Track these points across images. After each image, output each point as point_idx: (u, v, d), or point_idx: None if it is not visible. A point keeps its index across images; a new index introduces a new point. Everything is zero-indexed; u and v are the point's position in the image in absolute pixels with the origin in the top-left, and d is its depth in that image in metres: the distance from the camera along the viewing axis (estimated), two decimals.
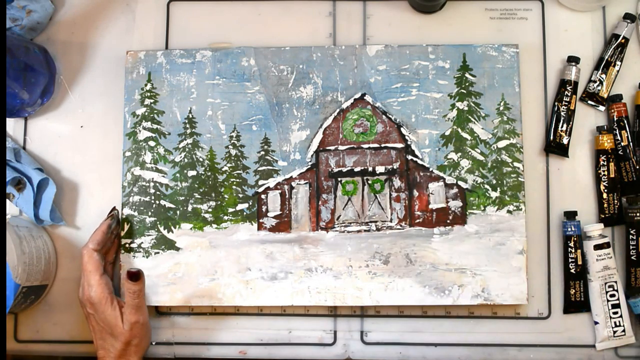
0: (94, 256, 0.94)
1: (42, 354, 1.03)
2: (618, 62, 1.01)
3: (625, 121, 0.99)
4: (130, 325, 0.91)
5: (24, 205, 1.00)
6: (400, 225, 0.98)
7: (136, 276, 0.92)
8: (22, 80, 0.97)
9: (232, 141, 1.00)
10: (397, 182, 0.99)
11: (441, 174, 0.99)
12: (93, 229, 0.99)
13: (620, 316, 0.97)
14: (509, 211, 0.98)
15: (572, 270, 0.98)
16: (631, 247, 0.97)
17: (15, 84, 0.96)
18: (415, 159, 0.99)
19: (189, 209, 0.99)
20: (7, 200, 1.01)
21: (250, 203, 0.99)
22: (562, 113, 1.00)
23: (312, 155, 1.00)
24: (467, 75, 1.00)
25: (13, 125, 1.04)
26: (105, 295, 0.92)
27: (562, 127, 1.00)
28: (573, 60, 1.00)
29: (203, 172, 1.00)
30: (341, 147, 0.99)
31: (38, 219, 1.00)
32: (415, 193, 0.98)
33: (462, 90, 1.00)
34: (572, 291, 0.98)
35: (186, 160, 1.00)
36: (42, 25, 1.04)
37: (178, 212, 0.99)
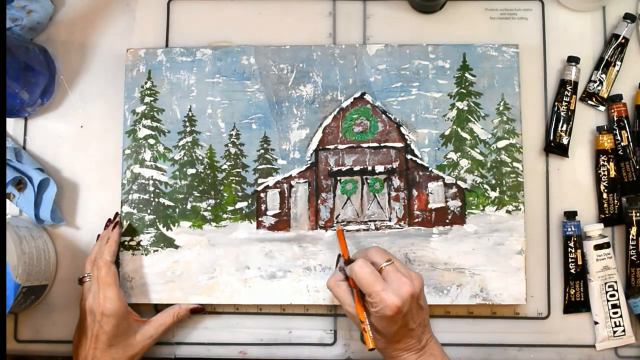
0: (112, 269, 0.93)
1: (42, 354, 1.03)
2: (618, 62, 1.01)
3: (625, 121, 0.99)
4: (145, 338, 0.94)
5: (24, 205, 1.00)
6: (399, 225, 0.98)
7: (197, 313, 0.99)
8: (22, 80, 0.97)
9: (231, 139, 1.00)
10: (396, 182, 0.99)
11: (440, 174, 0.99)
12: (93, 229, 1.00)
13: (620, 316, 0.97)
14: (508, 211, 0.97)
15: (572, 270, 0.98)
16: (631, 247, 0.97)
17: (15, 84, 0.96)
18: (414, 158, 0.99)
19: (188, 207, 0.99)
20: (7, 200, 1.01)
21: (250, 201, 0.99)
22: (562, 113, 1.00)
23: (311, 154, 0.99)
24: (467, 75, 1.00)
25: (13, 125, 1.04)
26: (124, 308, 0.91)
27: (562, 127, 1.00)
28: (573, 60, 1.00)
29: (202, 170, 1.00)
30: (341, 146, 0.99)
31: (38, 219, 1.00)
32: (415, 192, 0.98)
33: (462, 90, 1.00)
34: (572, 291, 0.98)
35: (186, 158, 1.00)
36: (42, 25, 1.04)
37: (177, 210, 0.99)
